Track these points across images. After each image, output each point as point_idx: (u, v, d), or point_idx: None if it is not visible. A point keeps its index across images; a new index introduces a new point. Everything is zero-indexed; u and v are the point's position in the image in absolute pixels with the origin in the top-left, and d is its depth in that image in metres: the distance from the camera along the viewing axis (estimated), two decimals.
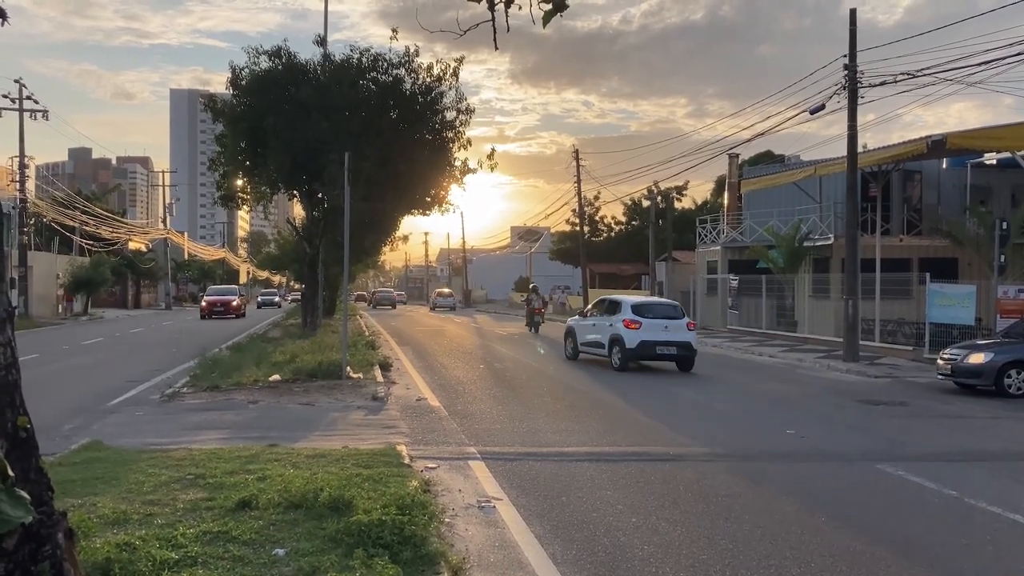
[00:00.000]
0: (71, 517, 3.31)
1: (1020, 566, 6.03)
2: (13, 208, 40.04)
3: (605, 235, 59.39)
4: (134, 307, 63.44)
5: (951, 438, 11.22)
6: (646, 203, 47.94)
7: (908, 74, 19.74)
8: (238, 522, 5.80)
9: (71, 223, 50.21)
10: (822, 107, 21.68)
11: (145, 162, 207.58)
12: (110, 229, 55.18)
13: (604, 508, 7.09)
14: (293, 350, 18.00)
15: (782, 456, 9.61)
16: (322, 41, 23.54)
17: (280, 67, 22.52)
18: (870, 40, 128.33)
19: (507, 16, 3.55)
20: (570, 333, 21.61)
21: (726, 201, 39.94)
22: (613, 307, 19.60)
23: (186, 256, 79.75)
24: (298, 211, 37.38)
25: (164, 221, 72.36)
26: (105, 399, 13.35)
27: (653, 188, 45.90)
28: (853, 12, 20.90)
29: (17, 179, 41.18)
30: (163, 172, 77.50)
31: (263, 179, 24.08)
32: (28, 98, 40.35)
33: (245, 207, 28.05)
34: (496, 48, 3.62)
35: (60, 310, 46.43)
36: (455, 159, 23.54)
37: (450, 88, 22.66)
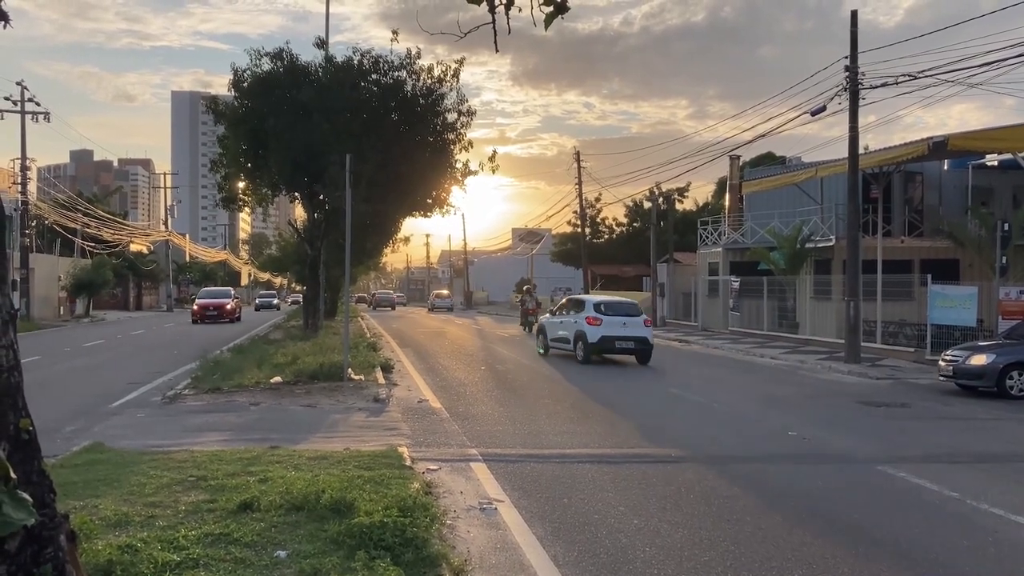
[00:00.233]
0: (73, 519, 3.31)
1: (1022, 568, 6.02)
2: (15, 210, 40.06)
3: (606, 237, 59.32)
4: (135, 309, 63.51)
5: (953, 440, 11.21)
6: (647, 205, 47.88)
7: (909, 75, 19.72)
8: (240, 524, 5.80)
9: (73, 225, 50.28)
10: (823, 109, 21.67)
11: (146, 164, 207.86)
12: (112, 231, 55.24)
13: (606, 510, 7.09)
14: (294, 352, 18.01)
15: (784, 458, 9.60)
16: (323, 43, 23.59)
17: (282, 69, 22.55)
18: (871, 41, 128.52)
19: (508, 18, 3.55)
20: (542, 330, 23.48)
21: (727, 203, 39.91)
22: (578, 306, 21.49)
23: (187, 258, 79.84)
24: (299, 213, 37.40)
25: (165, 223, 72.47)
26: (107, 401, 13.37)
27: (655, 190, 45.93)
28: (854, 14, 20.90)
29: (19, 181, 41.26)
30: (164, 174, 77.59)
31: (264, 181, 24.12)
32: (30, 100, 40.44)
33: (246, 209, 28.09)
34: (497, 50, 3.62)
35: (62, 312, 46.49)
36: (456, 161, 23.60)
37: (451, 90, 22.74)
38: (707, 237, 36.76)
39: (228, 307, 42.52)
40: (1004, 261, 20.49)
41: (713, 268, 35.47)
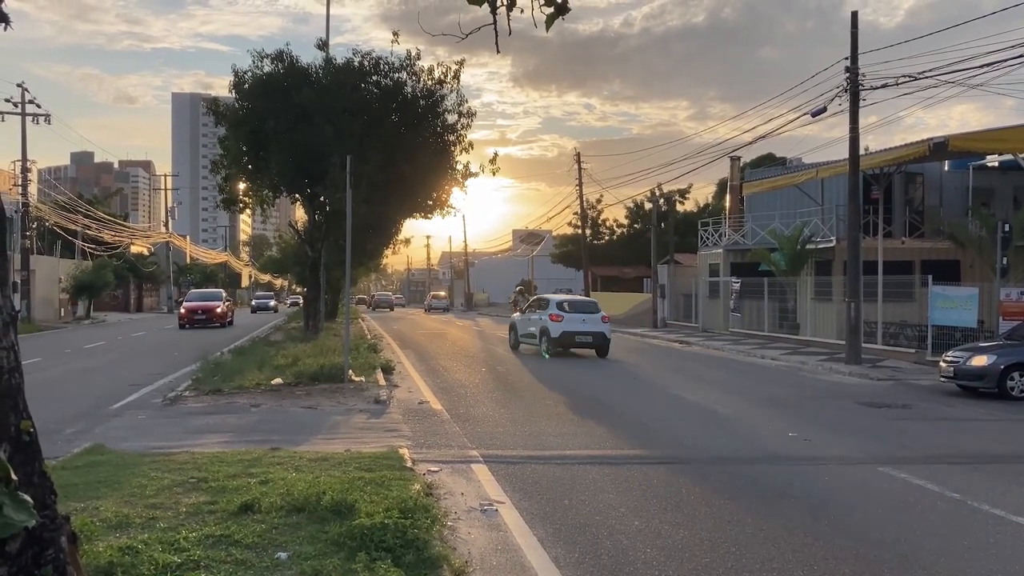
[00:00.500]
0: (74, 521, 3.31)
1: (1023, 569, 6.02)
2: (16, 212, 40.10)
3: (607, 238, 59.32)
4: (136, 311, 63.55)
5: (954, 441, 11.20)
6: (648, 206, 47.91)
7: (910, 76, 19.71)
8: (241, 526, 5.81)
9: (73, 227, 50.34)
10: (824, 110, 21.66)
11: (147, 166, 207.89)
12: (112, 233, 55.26)
13: (607, 511, 7.09)
14: (295, 353, 18.00)
15: (784, 459, 9.59)
16: (324, 45, 23.59)
17: (282, 70, 22.56)
18: (872, 43, 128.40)
19: (509, 19, 3.55)
20: (513, 327, 25.59)
21: (728, 204, 39.91)
22: (543, 304, 23.56)
23: (188, 260, 79.85)
24: (300, 214, 37.38)
25: (166, 225, 72.55)
26: (107, 403, 13.38)
27: (655, 191, 45.96)
28: (855, 15, 20.91)
29: (19, 183, 41.31)
30: (165, 176, 77.68)
31: (265, 182, 24.11)
32: (30, 102, 40.49)
33: (247, 211, 28.10)
34: (498, 51, 3.62)
35: (62, 314, 46.53)
36: (457, 162, 23.60)
37: (452, 91, 22.74)
38: (708, 238, 36.75)
39: (218, 310, 38.89)
40: (1005, 262, 20.48)
41: (714, 269, 35.47)
